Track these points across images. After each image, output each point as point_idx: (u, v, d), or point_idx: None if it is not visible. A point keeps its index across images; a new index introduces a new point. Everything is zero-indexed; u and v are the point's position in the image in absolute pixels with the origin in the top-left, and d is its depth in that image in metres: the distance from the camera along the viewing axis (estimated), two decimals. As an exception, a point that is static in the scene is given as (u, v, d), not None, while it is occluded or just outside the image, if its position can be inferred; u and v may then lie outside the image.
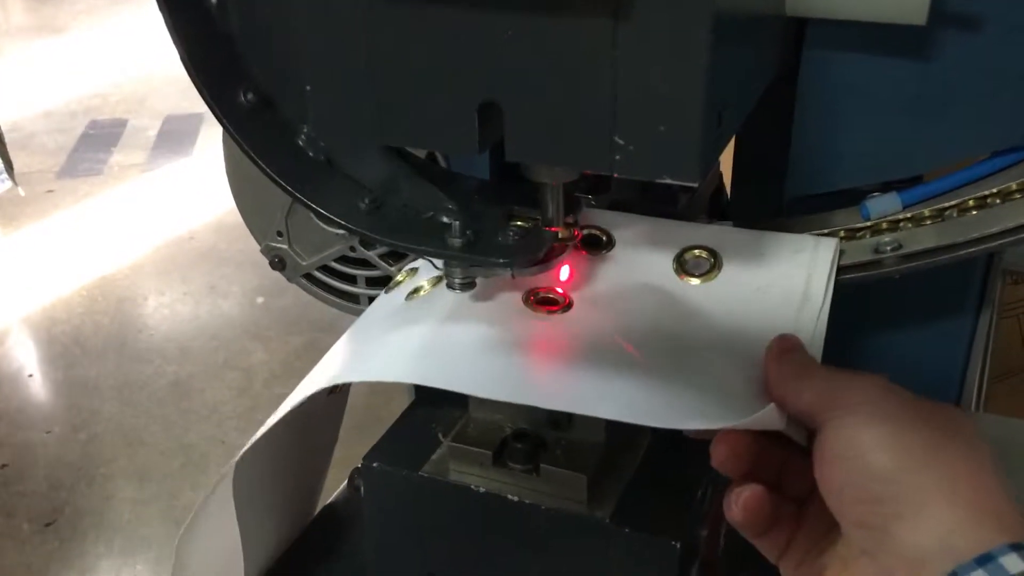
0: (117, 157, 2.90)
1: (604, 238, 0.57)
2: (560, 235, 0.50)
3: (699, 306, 0.53)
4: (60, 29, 3.85)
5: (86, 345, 2.15)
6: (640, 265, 0.55)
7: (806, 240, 0.55)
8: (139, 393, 2.05)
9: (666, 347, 0.49)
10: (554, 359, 0.49)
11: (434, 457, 0.54)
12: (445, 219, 0.49)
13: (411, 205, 0.51)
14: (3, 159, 2.05)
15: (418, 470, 0.54)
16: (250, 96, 0.49)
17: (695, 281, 0.54)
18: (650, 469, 0.54)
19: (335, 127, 0.45)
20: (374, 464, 0.54)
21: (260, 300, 2.31)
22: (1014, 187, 0.53)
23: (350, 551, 0.66)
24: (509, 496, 0.51)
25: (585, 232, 0.56)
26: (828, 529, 0.41)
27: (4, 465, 1.82)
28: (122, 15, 3.87)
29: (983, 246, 0.52)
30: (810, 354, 0.45)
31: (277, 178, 0.49)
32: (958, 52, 0.51)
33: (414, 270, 0.59)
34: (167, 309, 2.29)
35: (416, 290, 0.56)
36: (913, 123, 0.54)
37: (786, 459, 0.43)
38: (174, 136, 2.95)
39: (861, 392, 0.39)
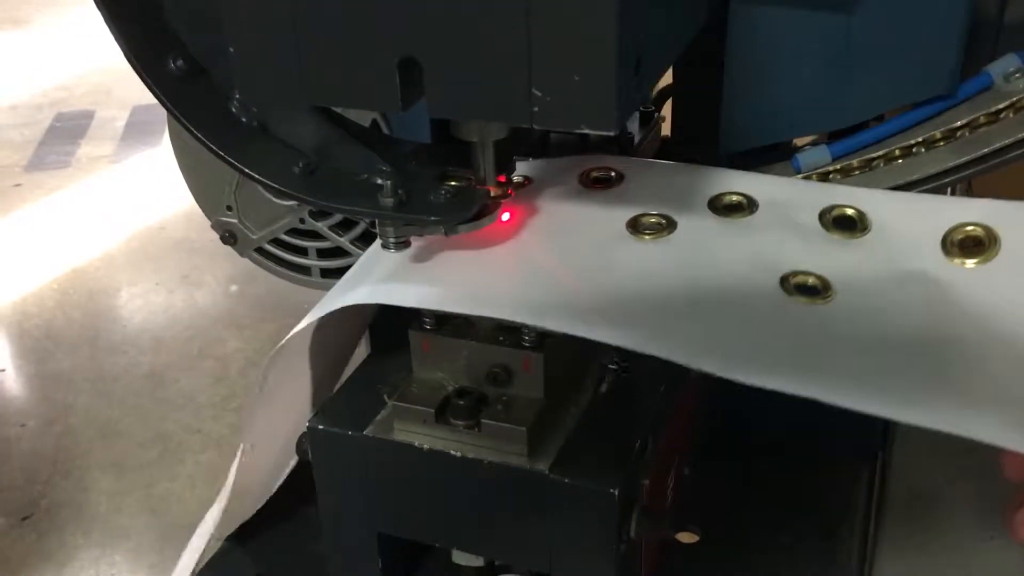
0: (85, 149, 2.87)
1: (857, 218, 0.51)
2: (492, 193, 0.51)
3: (976, 292, 0.46)
4: (23, 21, 3.81)
5: (59, 338, 2.13)
6: (903, 248, 0.49)
7: None
8: (114, 384, 2.04)
9: (940, 342, 0.43)
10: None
11: (378, 418, 0.55)
12: (378, 180, 0.50)
13: (345, 168, 0.52)
14: (-32, 154, 2.03)
15: (363, 431, 0.54)
16: (180, 63, 0.49)
17: (970, 263, 0.48)
18: (591, 423, 0.55)
19: (260, 90, 0.45)
20: (319, 427, 0.55)
21: (234, 288, 2.30)
22: (938, 135, 0.54)
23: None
24: (452, 452, 0.52)
25: (836, 213, 0.51)
26: None
27: (-21, 461, 1.81)
28: (85, 6, 3.82)
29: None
30: None
31: (211, 144, 0.50)
32: (879, 4, 0.52)
33: None
34: (140, 300, 2.28)
35: None
36: (840, 75, 0.55)
37: None
38: (142, 126, 2.92)
39: None
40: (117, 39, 0.48)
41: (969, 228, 0.48)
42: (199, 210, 0.82)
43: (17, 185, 2.69)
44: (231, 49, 0.44)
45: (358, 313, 0.65)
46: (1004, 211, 0.48)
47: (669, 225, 0.51)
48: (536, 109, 0.41)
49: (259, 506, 0.68)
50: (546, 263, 0.49)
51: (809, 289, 0.46)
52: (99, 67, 3.32)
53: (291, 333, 0.54)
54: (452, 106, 0.43)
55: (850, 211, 0.51)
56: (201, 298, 2.24)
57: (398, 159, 0.52)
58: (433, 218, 0.48)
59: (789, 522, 0.71)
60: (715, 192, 0.53)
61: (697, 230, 0.51)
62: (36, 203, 2.60)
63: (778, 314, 0.44)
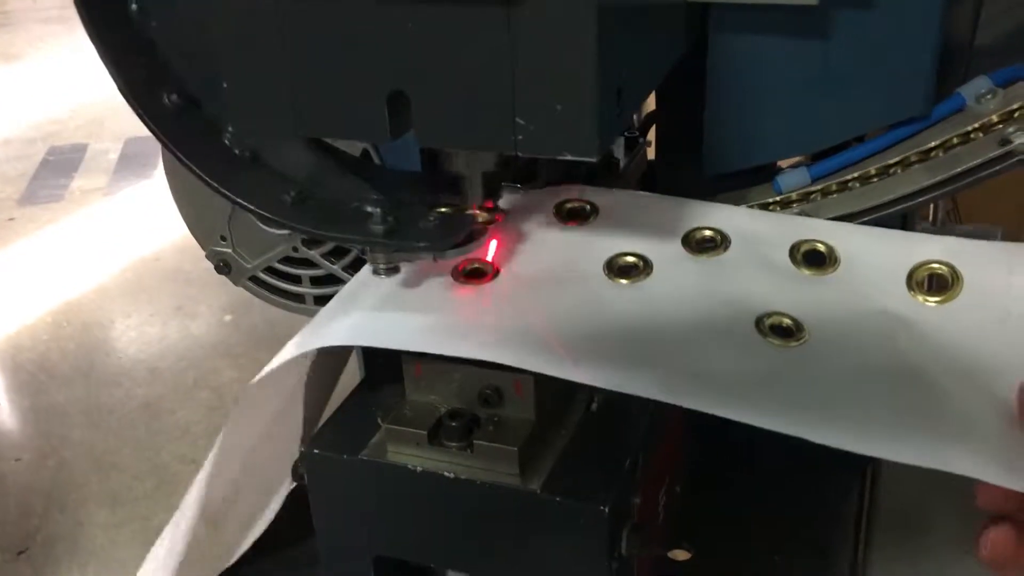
0: (79, 182, 2.89)
1: (827, 253, 0.53)
2: (480, 218, 0.52)
3: (940, 330, 0.47)
4: (15, 56, 3.84)
5: (53, 371, 2.13)
6: (871, 285, 0.50)
7: None
8: (109, 417, 2.04)
9: (908, 381, 0.44)
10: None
11: (373, 441, 0.56)
12: (368, 208, 0.51)
13: (336, 197, 0.53)
14: (-38, 189, 2.04)
15: (357, 454, 0.55)
16: (174, 98, 0.51)
17: (933, 301, 0.49)
18: (581, 443, 0.56)
19: (253, 122, 0.47)
20: (315, 451, 0.56)
21: (228, 318, 2.31)
22: (913, 156, 0.56)
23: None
24: (445, 473, 0.53)
25: (806, 248, 0.53)
26: None
27: (-26, 495, 1.81)
28: (77, 41, 3.85)
29: (883, 212, 0.55)
30: None
31: (204, 175, 0.51)
32: (853, 30, 0.54)
33: None
34: (134, 331, 2.29)
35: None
36: (817, 100, 0.57)
37: None
38: (135, 159, 2.94)
39: None
40: (112, 74, 0.49)
41: (934, 266, 0.50)
42: (192, 241, 0.83)
43: (10, 219, 2.70)
44: (224, 84, 0.45)
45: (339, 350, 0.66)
46: (967, 250, 0.50)
47: (645, 267, 0.53)
48: (520, 137, 0.42)
49: (255, 537, 0.69)
50: (525, 306, 0.50)
51: (784, 330, 0.47)
52: (92, 100, 3.35)
53: (265, 369, 0.54)
54: (439, 136, 0.44)
55: (820, 246, 0.52)
56: (195, 328, 2.25)
57: (388, 188, 0.54)
58: (422, 244, 0.50)
59: (781, 536, 0.71)
60: (688, 227, 0.55)
61: (673, 272, 0.52)
62: (30, 237, 2.61)
63: (755, 355, 0.45)
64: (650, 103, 0.68)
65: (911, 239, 0.52)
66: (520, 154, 0.43)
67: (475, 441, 0.53)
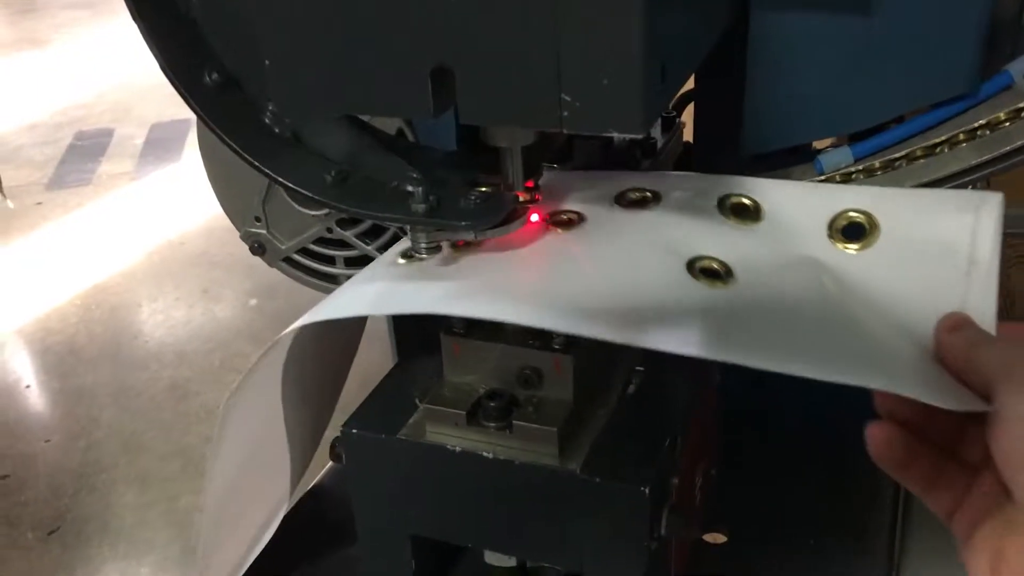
0: (105, 167, 2.91)
1: (752, 207, 0.55)
2: (521, 198, 0.52)
3: (860, 274, 0.50)
4: (42, 42, 3.87)
5: (81, 354, 2.16)
6: (794, 235, 0.53)
7: (969, 197, 0.52)
8: (136, 399, 2.06)
9: (830, 316, 0.47)
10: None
11: (411, 421, 0.56)
12: (409, 187, 0.51)
13: (376, 176, 0.53)
14: (-9, 173, 2.06)
15: (396, 434, 0.55)
16: (215, 76, 0.51)
17: (853, 248, 0.52)
18: (619, 424, 0.55)
19: (295, 100, 0.46)
20: (353, 431, 0.56)
21: (253, 302, 2.33)
22: (960, 135, 0.55)
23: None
24: (484, 453, 0.53)
25: (733, 201, 0.55)
26: (1001, 495, 0.40)
27: (5, 476, 1.83)
28: (103, 26, 3.88)
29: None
30: (982, 326, 0.44)
31: (245, 154, 0.51)
32: (898, 6, 0.53)
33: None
34: (161, 315, 2.30)
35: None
36: (860, 78, 0.56)
37: (964, 423, 0.43)
38: (161, 143, 2.96)
39: None
40: (154, 52, 0.49)
41: (851, 215, 0.52)
42: (218, 225, 0.83)
43: (38, 204, 2.73)
44: (266, 61, 0.45)
45: (347, 332, 0.66)
46: (883, 197, 0.52)
47: (580, 219, 0.55)
48: (565, 114, 0.42)
49: (285, 511, 0.69)
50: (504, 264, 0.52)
51: (713, 273, 0.50)
52: (117, 85, 3.37)
53: (278, 338, 0.55)
54: (483, 112, 0.44)
55: (745, 200, 0.55)
56: (221, 312, 2.26)
57: (426, 166, 0.53)
58: (464, 223, 0.49)
59: (816, 519, 0.71)
60: (622, 189, 0.57)
61: (608, 223, 0.55)
62: (57, 221, 2.64)
63: (688, 294, 0.49)
64: (686, 84, 0.67)
65: (831, 190, 0.54)
66: (565, 131, 0.42)
67: (514, 421, 0.53)
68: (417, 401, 0.57)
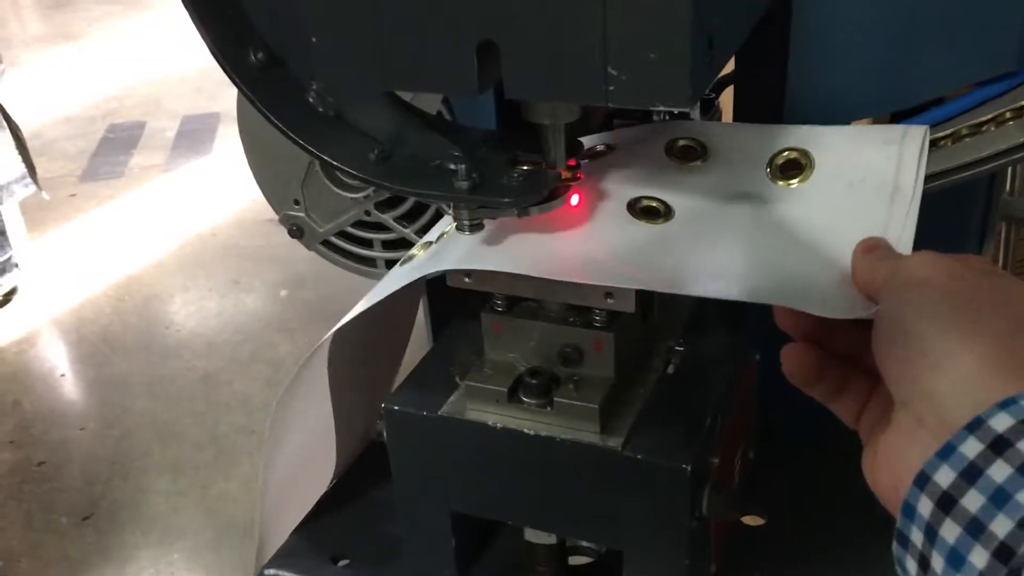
0: (137, 159, 2.94)
1: (698, 148, 0.57)
2: (563, 176, 0.52)
3: (795, 207, 0.53)
4: (75, 36, 3.90)
5: (115, 343, 2.18)
6: (735, 173, 0.56)
7: (894, 130, 0.55)
8: (169, 388, 2.08)
9: (758, 244, 0.50)
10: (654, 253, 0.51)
11: (452, 399, 0.56)
12: (451, 165, 0.51)
13: (418, 155, 0.53)
14: (27, 165, 2.09)
15: (437, 411, 0.56)
16: (260, 56, 0.51)
17: (791, 183, 0.54)
18: (660, 402, 0.55)
19: (340, 77, 0.47)
20: (394, 408, 0.56)
21: (283, 293, 2.34)
22: (1007, 113, 0.54)
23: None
24: (525, 430, 0.53)
25: (681, 143, 0.58)
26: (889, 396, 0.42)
27: (41, 463, 1.86)
28: (134, 20, 3.92)
29: (975, 169, 0.54)
30: (899, 249, 0.47)
31: (290, 133, 0.51)
32: (944, -18, 0.53)
33: (429, 243, 0.60)
34: (193, 305, 2.33)
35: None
36: (905, 55, 0.56)
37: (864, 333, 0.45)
38: (192, 135, 2.98)
39: (918, 262, 0.41)
40: (200, 32, 0.50)
41: (788, 153, 0.55)
42: (248, 217, 0.84)
43: (72, 195, 2.76)
44: (313, 39, 0.46)
45: (408, 303, 0.67)
46: (818, 134, 0.55)
47: None
48: (612, 88, 0.42)
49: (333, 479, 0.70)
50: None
51: (652, 211, 0.54)
52: (149, 79, 3.40)
53: (346, 318, 0.56)
54: (529, 87, 0.44)
55: (691, 142, 0.57)
56: (251, 303, 2.28)
57: (468, 145, 0.53)
58: (507, 200, 0.49)
59: (847, 507, 0.70)
60: (672, 138, 0.59)
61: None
62: (90, 212, 2.67)
63: (627, 232, 0.52)
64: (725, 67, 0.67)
65: (771, 131, 0.57)
66: (611, 105, 0.42)
67: (555, 399, 0.53)
68: (457, 379, 0.57)
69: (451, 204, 0.51)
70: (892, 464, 0.39)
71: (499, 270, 0.51)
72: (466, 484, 0.57)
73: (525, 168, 0.51)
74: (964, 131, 0.55)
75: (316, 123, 0.53)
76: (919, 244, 0.65)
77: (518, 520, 0.58)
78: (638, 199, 0.54)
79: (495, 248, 0.52)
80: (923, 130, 0.54)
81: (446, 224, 0.58)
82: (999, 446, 0.32)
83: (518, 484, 0.56)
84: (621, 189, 0.55)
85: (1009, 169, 0.56)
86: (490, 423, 0.54)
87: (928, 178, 0.55)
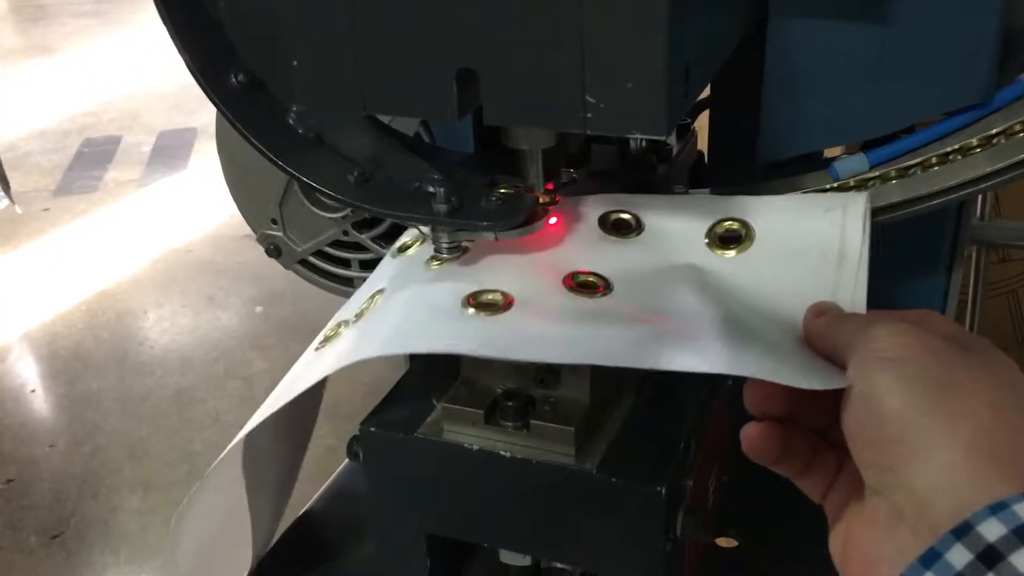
0: (112, 174, 2.92)
1: (632, 221, 0.57)
2: (540, 199, 0.52)
3: (738, 277, 0.53)
4: (51, 49, 3.88)
5: (87, 359, 2.16)
6: (673, 244, 0.55)
7: (835, 198, 0.55)
8: (141, 405, 2.07)
9: (712, 316, 0.48)
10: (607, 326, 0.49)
11: (429, 420, 0.57)
12: (430, 188, 0.51)
13: (397, 177, 0.53)
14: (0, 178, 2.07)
15: (413, 432, 0.56)
16: (240, 77, 0.52)
17: (730, 253, 0.54)
18: (635, 424, 0.56)
19: (321, 99, 0.47)
20: (371, 429, 0.56)
21: (259, 310, 2.33)
22: (974, 143, 0.55)
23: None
24: (501, 452, 0.54)
25: (613, 218, 0.57)
26: (859, 476, 0.40)
27: (10, 480, 1.84)
28: (111, 35, 3.90)
29: (943, 198, 0.55)
30: (849, 311, 0.46)
31: (270, 154, 0.52)
32: (913, 15, 0.54)
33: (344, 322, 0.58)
34: (167, 321, 2.31)
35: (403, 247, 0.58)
36: (876, 86, 0.57)
37: (834, 404, 0.42)
38: (168, 151, 2.97)
39: (886, 335, 0.38)
40: (181, 52, 0.50)
41: (727, 223, 0.55)
42: (224, 233, 0.84)
43: (46, 210, 2.74)
44: (294, 61, 0.46)
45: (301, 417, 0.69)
46: (755, 206, 0.55)
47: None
48: (589, 115, 0.43)
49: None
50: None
51: (589, 285, 0.53)
52: (125, 93, 3.39)
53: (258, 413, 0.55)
54: (507, 113, 0.44)
55: (626, 215, 0.57)
56: (227, 319, 2.27)
57: (447, 168, 0.54)
58: (485, 223, 0.50)
59: (826, 531, 0.71)
60: (604, 212, 0.58)
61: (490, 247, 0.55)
62: (64, 227, 2.65)
63: (564, 306, 0.51)
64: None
65: (708, 201, 0.57)
66: (588, 132, 0.43)
67: (531, 421, 0.53)
68: (434, 401, 0.57)
69: (430, 227, 0.52)
70: (866, 555, 0.37)
71: (430, 351, 0.48)
72: (442, 505, 0.57)
73: (503, 191, 0.52)
74: (934, 159, 0.56)
75: (296, 145, 0.53)
76: (892, 267, 0.67)
77: (493, 542, 0.58)
78: (576, 274, 0.53)
79: (431, 324, 0.50)
80: (864, 197, 0.54)
81: (362, 299, 0.57)
82: (990, 558, 0.30)
83: (494, 506, 0.56)
84: (558, 263, 0.54)
85: (979, 195, 0.57)
86: (466, 445, 0.54)
87: (898, 205, 0.57)
